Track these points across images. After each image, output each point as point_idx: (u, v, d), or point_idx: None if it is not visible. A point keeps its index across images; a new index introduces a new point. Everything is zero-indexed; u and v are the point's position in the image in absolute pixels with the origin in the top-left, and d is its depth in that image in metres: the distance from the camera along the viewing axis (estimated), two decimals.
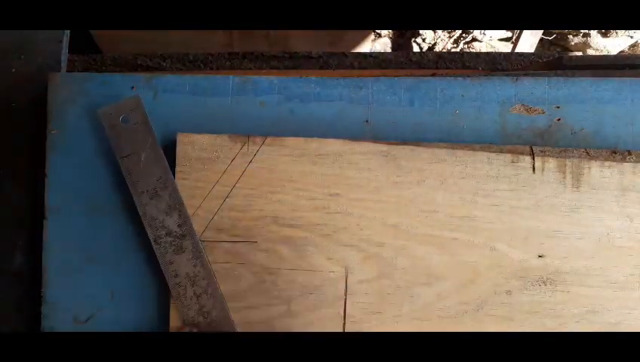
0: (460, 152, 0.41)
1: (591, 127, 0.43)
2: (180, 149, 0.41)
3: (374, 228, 0.41)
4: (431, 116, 0.43)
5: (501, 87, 0.43)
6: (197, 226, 0.41)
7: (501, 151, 0.41)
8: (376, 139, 0.42)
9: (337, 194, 0.41)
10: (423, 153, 0.41)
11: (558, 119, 0.43)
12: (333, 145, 0.41)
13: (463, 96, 0.43)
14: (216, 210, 0.41)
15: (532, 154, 0.41)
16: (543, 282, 0.41)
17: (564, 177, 0.41)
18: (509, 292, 0.41)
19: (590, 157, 0.41)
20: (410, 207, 0.41)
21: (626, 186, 0.41)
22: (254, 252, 0.41)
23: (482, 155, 0.41)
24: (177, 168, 0.41)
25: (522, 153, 0.41)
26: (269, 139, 0.41)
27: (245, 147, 0.41)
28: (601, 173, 0.41)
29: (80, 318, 0.42)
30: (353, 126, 0.43)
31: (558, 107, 0.43)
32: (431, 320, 0.41)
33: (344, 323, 0.40)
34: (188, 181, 0.41)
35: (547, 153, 0.41)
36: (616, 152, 0.41)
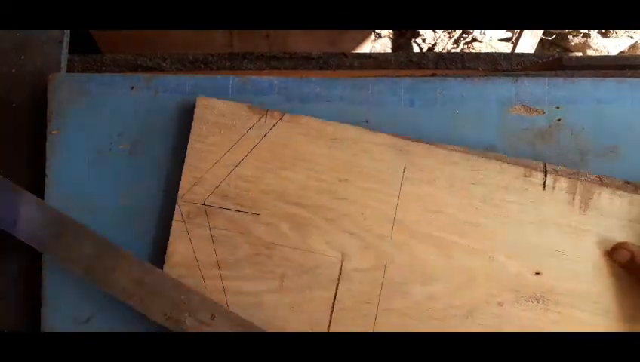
0: (473, 158, 0.41)
1: (591, 128, 0.43)
2: (198, 112, 0.41)
3: (377, 219, 0.41)
4: (431, 116, 0.43)
5: (501, 88, 0.43)
6: (202, 190, 0.41)
7: (515, 164, 0.41)
8: None
9: (346, 180, 0.41)
10: (438, 153, 0.41)
11: (558, 119, 0.43)
12: (350, 131, 0.41)
13: (463, 96, 0.43)
14: (224, 176, 0.41)
15: (545, 171, 0.41)
16: (537, 299, 0.41)
17: (573, 198, 0.41)
18: (500, 304, 0.41)
19: (602, 183, 0.41)
20: (416, 204, 0.41)
21: (633, 218, 0.41)
22: (256, 224, 0.41)
23: (495, 165, 0.41)
24: (193, 130, 0.41)
25: (535, 169, 0.41)
26: (286, 116, 0.41)
27: (263, 119, 0.41)
28: (610, 200, 0.41)
29: (80, 318, 0.42)
30: None
31: (558, 107, 0.43)
32: (420, 319, 0.40)
33: (332, 309, 0.40)
34: (202, 144, 0.41)
35: (560, 173, 0.41)
36: (629, 183, 0.41)
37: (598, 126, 0.43)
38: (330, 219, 0.41)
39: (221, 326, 0.38)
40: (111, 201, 0.43)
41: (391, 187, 0.41)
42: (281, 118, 0.41)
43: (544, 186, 0.41)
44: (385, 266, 0.41)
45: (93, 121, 0.43)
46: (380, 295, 0.41)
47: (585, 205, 0.41)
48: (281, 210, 0.41)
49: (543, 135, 0.43)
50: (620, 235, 0.41)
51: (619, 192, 0.41)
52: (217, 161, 0.41)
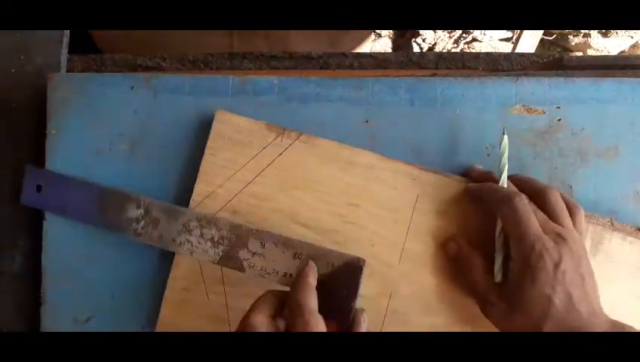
0: None
1: (591, 128, 0.43)
2: (215, 125, 0.41)
3: (386, 247, 0.40)
4: (431, 116, 0.43)
5: (501, 88, 0.43)
6: (214, 204, 0.41)
7: None
8: (374, 139, 0.42)
9: (357, 206, 0.41)
10: (451, 185, 0.41)
11: (559, 119, 0.43)
12: (366, 156, 0.41)
13: (463, 96, 0.43)
14: (236, 192, 0.41)
15: None
16: None
17: (584, 242, 0.40)
18: None
19: (614, 228, 0.41)
20: (425, 235, 0.40)
21: None
22: None
23: None
24: (208, 143, 0.41)
25: None
26: (303, 136, 0.41)
27: (279, 138, 0.41)
28: (621, 246, 0.40)
29: (80, 318, 0.42)
30: (353, 126, 0.43)
31: (559, 107, 0.43)
32: None
33: None
34: (216, 158, 0.41)
35: None
36: None
37: (598, 126, 0.43)
38: (338, 243, 0.40)
39: (273, 252, 0.38)
40: None
41: (402, 216, 0.41)
42: (297, 138, 0.41)
43: None
44: (390, 294, 0.40)
45: (93, 121, 0.43)
46: (383, 323, 0.40)
47: (595, 249, 0.40)
48: (290, 230, 0.40)
49: (543, 135, 0.43)
50: (626, 281, 0.40)
51: (630, 238, 0.40)
52: (231, 177, 0.41)
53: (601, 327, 0.34)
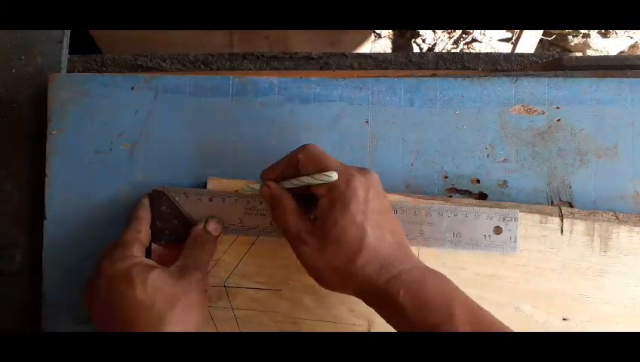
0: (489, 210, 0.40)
1: (591, 128, 0.43)
2: None
3: None
4: (431, 116, 0.43)
5: (501, 88, 0.43)
6: (222, 272, 0.40)
7: (530, 211, 0.40)
8: (374, 139, 0.42)
9: None
10: (452, 208, 0.40)
11: (558, 120, 0.43)
12: None
13: (462, 96, 0.43)
14: (242, 255, 0.40)
15: (561, 216, 0.40)
16: None
17: (592, 240, 0.40)
18: None
19: (619, 221, 0.41)
20: (436, 261, 0.40)
21: None
22: (278, 300, 0.40)
23: None
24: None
25: (551, 214, 0.40)
26: None
27: None
28: (629, 238, 0.40)
29: (80, 318, 0.42)
30: (353, 126, 0.43)
31: (558, 107, 0.43)
32: None
33: None
34: None
35: (576, 215, 0.40)
36: None
37: (598, 126, 0.43)
38: None
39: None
40: (111, 201, 0.43)
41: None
42: None
43: (562, 231, 0.40)
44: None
45: (93, 121, 0.43)
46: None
47: (605, 246, 0.40)
48: (301, 282, 0.40)
49: (543, 135, 0.43)
50: None
51: (637, 229, 0.40)
52: (234, 241, 0.40)
53: (412, 261, 0.34)
